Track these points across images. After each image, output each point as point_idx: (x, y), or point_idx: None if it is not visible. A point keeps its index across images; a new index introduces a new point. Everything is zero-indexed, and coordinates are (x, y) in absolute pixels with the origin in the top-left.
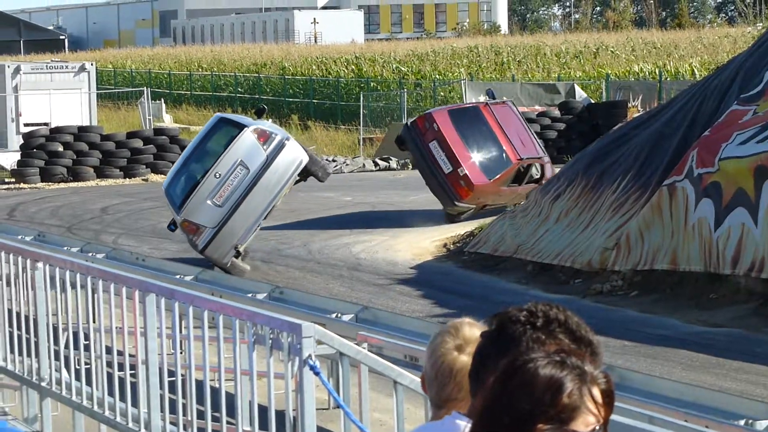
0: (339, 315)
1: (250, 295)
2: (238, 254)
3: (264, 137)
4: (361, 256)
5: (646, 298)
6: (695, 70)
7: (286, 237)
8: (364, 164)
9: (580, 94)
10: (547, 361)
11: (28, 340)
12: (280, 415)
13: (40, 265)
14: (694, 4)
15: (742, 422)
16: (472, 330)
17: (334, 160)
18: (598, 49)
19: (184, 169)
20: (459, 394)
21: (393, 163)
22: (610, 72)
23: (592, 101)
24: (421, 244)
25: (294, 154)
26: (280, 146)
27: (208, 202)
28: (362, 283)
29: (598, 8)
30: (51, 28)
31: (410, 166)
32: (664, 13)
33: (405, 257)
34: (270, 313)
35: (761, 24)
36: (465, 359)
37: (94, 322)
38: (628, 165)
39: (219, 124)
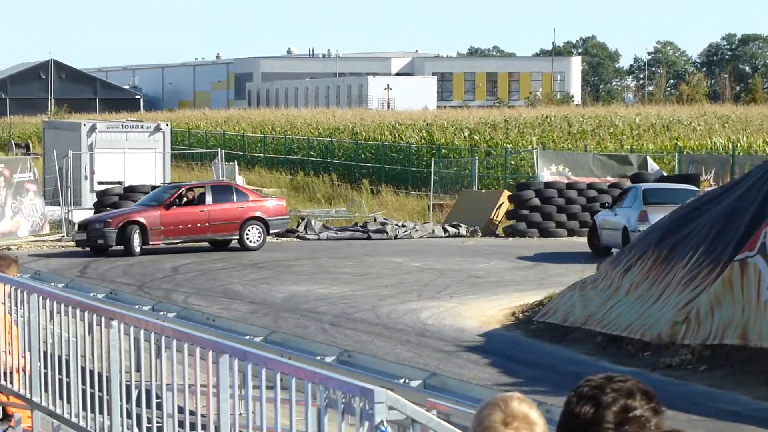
0: (407, 380)
1: (318, 357)
2: None
3: None
4: (428, 322)
5: (715, 373)
6: None
7: (355, 301)
8: (433, 230)
9: (653, 166)
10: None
11: (100, 398)
12: None
13: (114, 323)
14: None
15: None
16: (521, 406)
17: (403, 225)
18: (671, 122)
19: None
20: None
21: (462, 230)
22: (683, 145)
23: (665, 174)
24: (489, 312)
25: None
26: None
27: None
28: (429, 349)
29: (672, 81)
30: (127, 87)
31: (479, 233)
32: (738, 88)
33: (473, 325)
34: (342, 377)
35: None
36: None
37: (166, 381)
38: (700, 239)
39: None
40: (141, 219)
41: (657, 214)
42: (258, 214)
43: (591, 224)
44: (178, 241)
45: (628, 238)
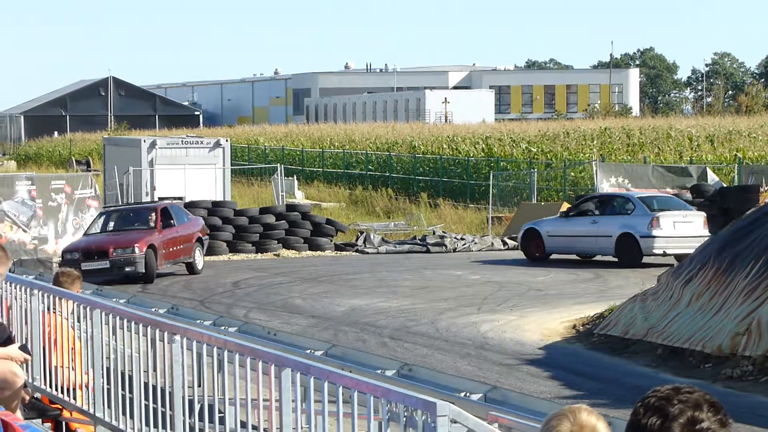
0: (467, 394)
1: (379, 371)
2: None
3: None
4: (488, 335)
5: None
6: None
7: (414, 314)
8: (492, 243)
9: (712, 177)
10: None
11: (163, 413)
12: None
13: (177, 338)
14: None
15: None
16: (590, 417)
17: (462, 239)
18: (731, 133)
19: None
20: None
21: None
22: (743, 156)
23: (724, 185)
24: (549, 325)
25: None
26: None
27: None
28: (490, 363)
29: (731, 92)
30: (186, 103)
31: None
32: None
33: (533, 338)
34: (404, 390)
35: None
36: None
37: (228, 395)
38: (761, 250)
39: None
40: (154, 243)
41: (666, 219)
42: (200, 234)
43: (527, 232)
44: (168, 264)
45: (635, 244)
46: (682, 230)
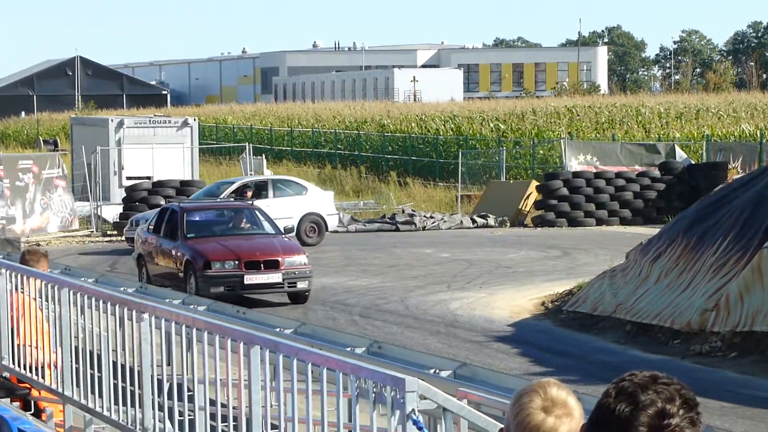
0: (437, 371)
1: (348, 348)
2: None
3: None
4: (458, 312)
5: (745, 360)
6: None
7: (384, 292)
8: (461, 221)
9: (681, 154)
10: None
11: (132, 392)
12: None
13: (145, 316)
14: None
15: None
16: (560, 392)
17: (431, 217)
18: (699, 110)
19: None
20: None
21: (491, 220)
22: (711, 133)
23: (693, 162)
24: (518, 302)
25: None
26: None
27: None
28: (459, 340)
29: (698, 70)
30: (154, 83)
31: (508, 224)
32: (764, 76)
33: (502, 315)
34: (373, 366)
35: None
36: (551, 422)
37: (197, 373)
38: (729, 226)
39: None
40: None
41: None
42: None
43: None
44: None
45: (321, 223)
46: None
